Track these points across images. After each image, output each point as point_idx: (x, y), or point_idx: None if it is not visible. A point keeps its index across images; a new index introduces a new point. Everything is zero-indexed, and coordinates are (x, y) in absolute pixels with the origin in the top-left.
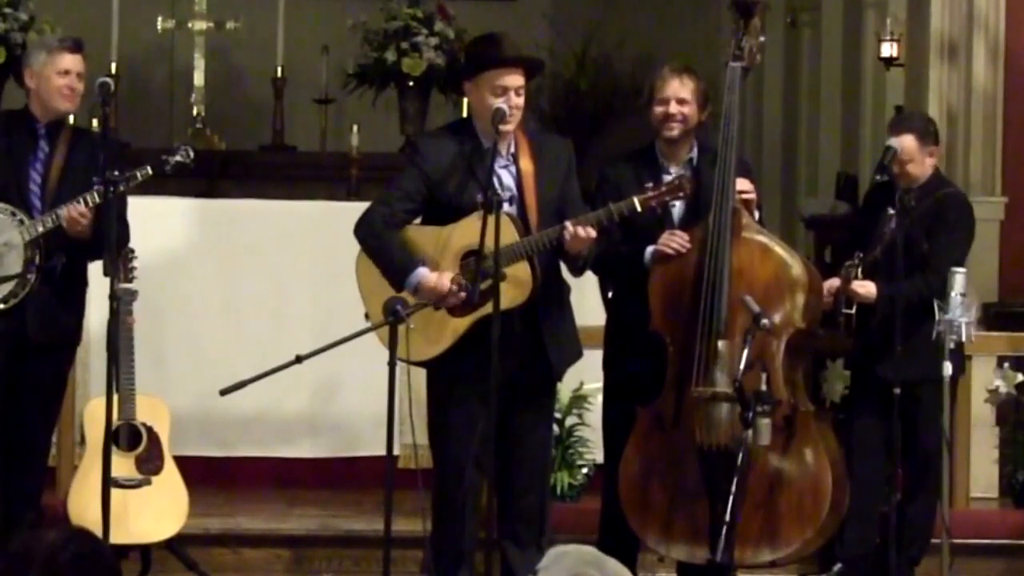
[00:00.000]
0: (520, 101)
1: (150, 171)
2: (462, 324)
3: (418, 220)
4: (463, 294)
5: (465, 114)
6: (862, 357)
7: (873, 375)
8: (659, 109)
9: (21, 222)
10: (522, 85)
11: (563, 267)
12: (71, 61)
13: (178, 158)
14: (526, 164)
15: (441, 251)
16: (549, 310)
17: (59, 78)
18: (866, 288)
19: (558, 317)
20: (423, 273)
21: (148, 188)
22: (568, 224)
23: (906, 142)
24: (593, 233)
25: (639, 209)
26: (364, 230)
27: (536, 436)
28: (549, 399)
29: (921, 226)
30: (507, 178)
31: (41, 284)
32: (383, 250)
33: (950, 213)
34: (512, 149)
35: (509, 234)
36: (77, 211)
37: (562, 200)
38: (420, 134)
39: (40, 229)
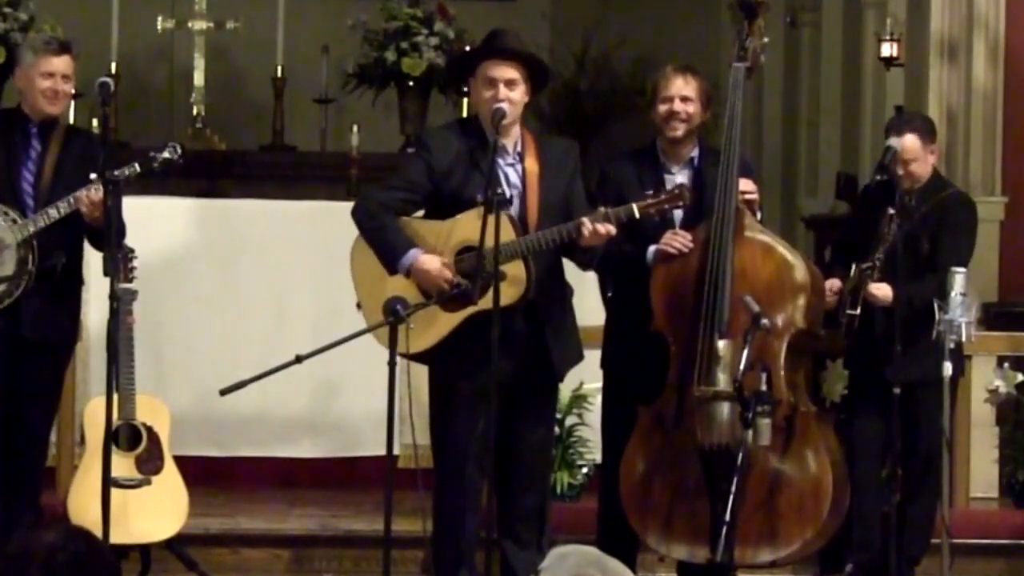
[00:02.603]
0: (512, 95)
1: (138, 168)
2: (455, 317)
3: (419, 214)
4: (457, 288)
5: (465, 113)
6: (865, 358)
7: (875, 376)
8: (663, 108)
9: (14, 222)
10: (514, 79)
11: (565, 269)
12: (56, 63)
13: (165, 155)
14: (531, 164)
15: (443, 244)
16: (552, 310)
17: (43, 80)
18: (883, 291)
19: (560, 318)
20: (415, 255)
21: (148, 188)
22: (585, 221)
23: (909, 141)
24: (613, 229)
25: (638, 216)
26: (361, 211)
27: (537, 436)
28: (550, 399)
29: (925, 228)
30: (513, 176)
31: (38, 283)
32: (378, 231)
33: (957, 214)
34: (519, 148)
35: (506, 233)
36: (98, 195)
37: (567, 201)
38: (427, 129)
39: (32, 229)
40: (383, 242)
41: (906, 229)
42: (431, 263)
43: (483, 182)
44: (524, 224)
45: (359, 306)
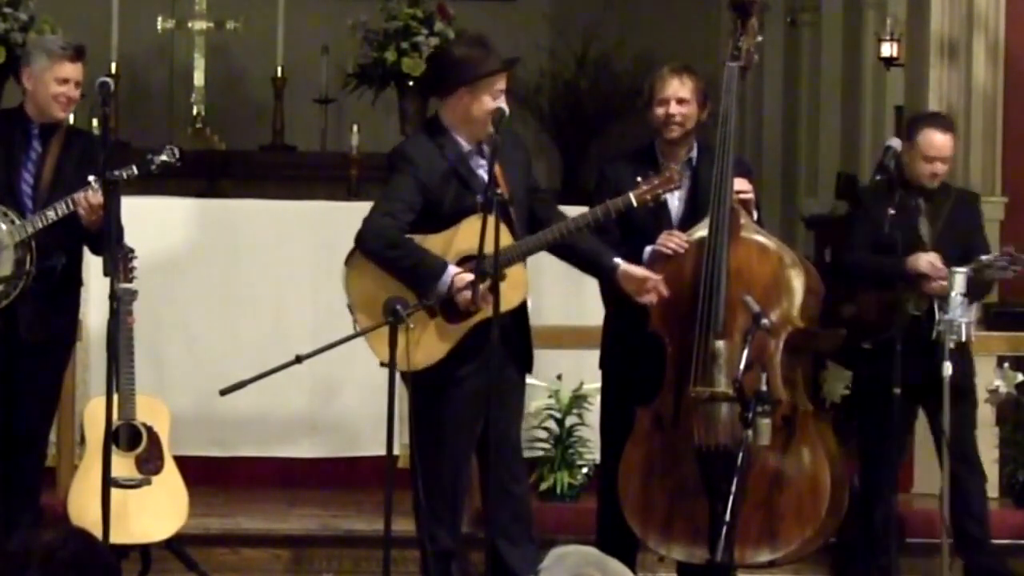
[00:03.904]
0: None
1: (135, 171)
2: (460, 328)
3: None
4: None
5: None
6: (878, 363)
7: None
8: (659, 110)
9: (12, 223)
10: None
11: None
12: (71, 70)
13: (163, 157)
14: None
15: (444, 256)
16: (526, 308)
17: (57, 86)
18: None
19: (527, 312)
20: (455, 271)
21: (148, 188)
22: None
23: (951, 141)
24: None
25: (635, 204)
26: (379, 242)
27: (515, 430)
28: (523, 393)
29: (955, 230)
30: (486, 177)
31: (37, 284)
32: (406, 258)
33: (979, 213)
34: (484, 148)
35: (505, 236)
36: (97, 198)
37: (528, 194)
38: (404, 142)
39: (30, 230)
40: (415, 266)
41: (937, 231)
42: (467, 274)
43: (470, 188)
44: (508, 222)
45: (355, 327)
